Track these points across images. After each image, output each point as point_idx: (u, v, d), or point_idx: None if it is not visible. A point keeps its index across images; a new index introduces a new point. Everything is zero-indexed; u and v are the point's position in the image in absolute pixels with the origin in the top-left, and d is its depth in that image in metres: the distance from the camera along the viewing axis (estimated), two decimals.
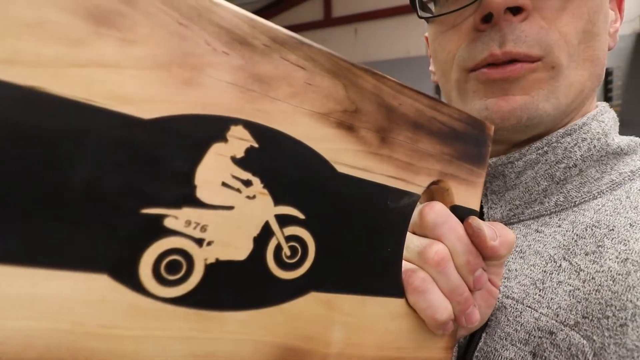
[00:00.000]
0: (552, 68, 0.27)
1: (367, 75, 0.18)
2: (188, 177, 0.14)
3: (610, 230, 0.26)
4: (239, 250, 0.16)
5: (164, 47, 0.13)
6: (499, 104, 0.27)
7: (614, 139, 0.29)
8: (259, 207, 0.16)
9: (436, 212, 0.21)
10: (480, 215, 0.32)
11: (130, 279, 0.13)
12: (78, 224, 0.12)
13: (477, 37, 0.28)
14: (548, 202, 0.29)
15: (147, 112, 0.13)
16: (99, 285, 0.13)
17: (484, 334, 0.28)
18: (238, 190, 0.15)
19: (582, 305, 0.24)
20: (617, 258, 0.25)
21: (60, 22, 0.12)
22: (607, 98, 2.53)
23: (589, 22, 0.27)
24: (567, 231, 0.28)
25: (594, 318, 0.24)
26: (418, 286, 0.20)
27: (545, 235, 0.29)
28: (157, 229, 0.14)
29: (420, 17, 0.32)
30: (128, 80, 0.13)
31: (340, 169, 0.18)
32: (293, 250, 0.17)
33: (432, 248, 0.20)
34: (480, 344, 0.27)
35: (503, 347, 0.26)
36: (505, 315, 0.27)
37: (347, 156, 0.18)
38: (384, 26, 3.29)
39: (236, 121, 0.15)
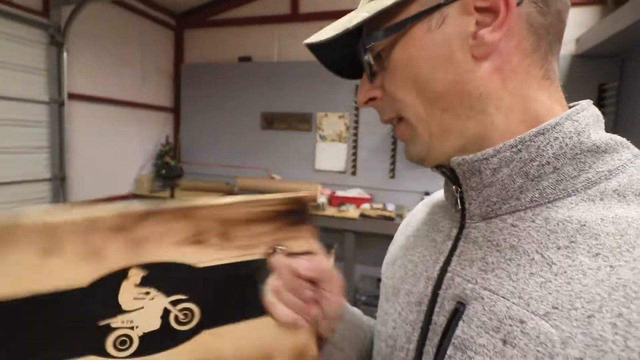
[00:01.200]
0: (407, 123, 0.36)
1: (205, 210, 0.33)
2: (115, 302, 0.31)
3: (582, 225, 0.27)
4: (154, 324, 0.32)
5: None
6: (405, 150, 0.39)
7: (590, 137, 0.29)
8: (158, 301, 0.32)
9: (273, 261, 0.37)
10: (462, 211, 0.35)
11: (104, 353, 0.30)
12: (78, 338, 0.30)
13: None
14: (524, 198, 0.31)
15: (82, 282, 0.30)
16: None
17: (461, 322, 0.30)
18: (143, 298, 0.31)
19: (553, 296, 0.26)
20: (588, 253, 0.26)
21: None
22: None
23: (411, 80, 0.33)
24: (540, 226, 0.29)
25: (563, 309, 0.25)
26: (266, 306, 0.37)
27: (520, 229, 0.30)
28: (110, 329, 0.30)
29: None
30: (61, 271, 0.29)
31: (200, 265, 0.33)
32: (185, 314, 0.33)
33: (271, 283, 0.37)
34: (457, 331, 0.30)
35: (478, 334, 0.28)
36: (482, 305, 0.29)
37: (202, 257, 0.34)
38: None
39: (131, 267, 0.31)
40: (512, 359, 0.26)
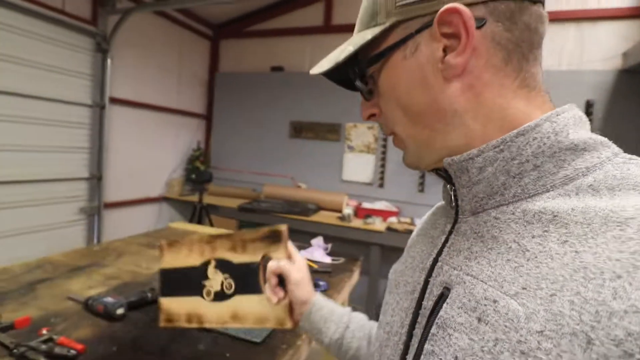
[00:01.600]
0: (399, 137, 0.40)
1: (236, 235, 0.66)
2: (206, 274, 0.68)
3: (555, 216, 0.29)
4: (218, 287, 0.67)
5: None
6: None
7: (568, 136, 0.31)
8: (220, 276, 0.67)
9: (264, 263, 0.62)
10: (456, 207, 0.38)
11: (202, 297, 0.68)
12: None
13: None
14: (507, 194, 0.33)
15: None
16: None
17: (445, 304, 0.33)
18: (215, 273, 0.67)
19: (524, 278, 0.28)
20: (557, 240, 0.28)
21: None
22: None
23: (395, 101, 0.38)
24: (519, 218, 0.31)
25: (530, 289, 0.27)
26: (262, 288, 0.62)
27: (501, 221, 0.33)
28: (203, 285, 0.68)
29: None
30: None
31: (235, 261, 0.65)
32: (229, 284, 0.65)
33: (263, 276, 0.62)
34: (441, 312, 0.33)
35: (458, 314, 0.31)
36: (463, 289, 0.32)
37: (234, 258, 0.65)
38: None
39: (212, 259, 0.68)
40: (485, 334, 0.28)
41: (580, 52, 2.76)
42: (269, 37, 3.84)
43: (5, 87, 2.22)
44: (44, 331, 0.85)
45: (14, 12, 2.21)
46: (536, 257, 0.28)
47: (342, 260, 1.63)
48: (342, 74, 0.41)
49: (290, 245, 0.62)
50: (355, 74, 0.40)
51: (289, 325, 0.61)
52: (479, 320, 0.29)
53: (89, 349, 0.82)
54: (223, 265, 0.65)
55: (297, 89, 3.58)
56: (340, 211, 3.09)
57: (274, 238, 0.62)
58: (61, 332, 0.88)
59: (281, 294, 0.60)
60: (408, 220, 2.89)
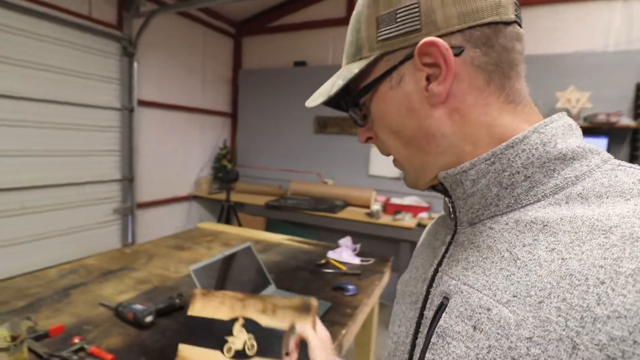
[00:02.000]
0: (396, 160, 0.42)
1: (268, 299, 0.63)
2: (230, 330, 0.63)
3: (545, 225, 0.30)
4: (240, 346, 0.62)
5: None
6: None
7: (556, 146, 0.32)
8: (244, 335, 0.62)
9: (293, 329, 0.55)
10: (454, 218, 0.39)
11: (222, 352, 0.62)
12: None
13: None
14: (501, 204, 0.34)
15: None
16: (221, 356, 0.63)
17: (444, 314, 0.34)
18: (241, 332, 0.63)
19: (514, 286, 0.29)
20: (546, 248, 0.29)
21: None
22: (636, 114, 2.41)
23: (388, 127, 0.39)
24: (512, 228, 0.32)
25: (520, 296, 0.28)
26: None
27: (496, 231, 0.34)
28: (225, 341, 0.63)
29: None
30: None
31: (262, 323, 0.62)
32: (252, 345, 0.60)
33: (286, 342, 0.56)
34: (440, 321, 0.34)
35: (455, 323, 0.32)
36: (461, 298, 0.33)
37: (262, 320, 0.62)
38: None
39: (240, 317, 0.64)
40: (479, 342, 0.29)
41: (628, 31, 2.52)
42: (291, 32, 3.79)
43: (40, 95, 2.30)
44: (76, 340, 0.86)
45: (44, 21, 2.28)
46: (526, 265, 0.29)
47: (371, 261, 1.58)
48: (336, 104, 0.44)
49: (318, 320, 0.60)
50: (347, 104, 0.42)
51: None
52: (474, 328, 0.30)
53: (119, 358, 0.82)
54: (250, 325, 0.66)
55: (320, 83, 3.50)
56: (368, 207, 3.02)
57: (305, 309, 0.62)
58: (92, 340, 0.88)
59: (295, 356, 0.56)
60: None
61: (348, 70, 0.40)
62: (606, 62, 2.49)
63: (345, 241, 1.66)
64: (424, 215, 2.81)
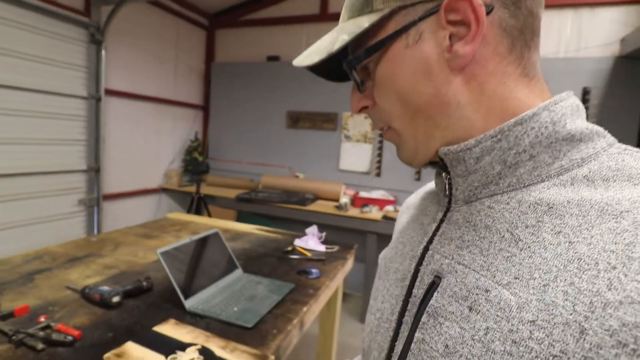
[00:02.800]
0: (395, 131, 0.38)
1: (220, 339, 0.79)
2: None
3: (550, 207, 0.29)
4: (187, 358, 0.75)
5: None
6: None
7: (565, 126, 0.31)
8: (194, 356, 0.73)
9: None
10: (449, 196, 0.37)
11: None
12: None
13: None
14: (502, 183, 0.33)
15: None
16: None
17: (436, 293, 0.33)
18: None
19: (516, 268, 0.28)
20: (551, 230, 0.28)
21: None
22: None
23: (394, 92, 0.35)
24: (513, 208, 0.31)
25: (523, 279, 0.27)
26: None
27: (495, 211, 0.32)
28: None
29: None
30: None
31: (218, 354, 0.76)
32: None
33: None
34: (432, 301, 0.33)
35: (449, 303, 0.31)
36: (455, 278, 0.32)
37: (218, 352, 0.76)
38: None
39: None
40: (475, 323, 0.29)
41: (577, 39, 2.74)
42: (264, 26, 3.81)
43: (1, 81, 2.22)
44: (42, 319, 0.88)
45: (5, 4, 2.20)
46: (529, 247, 0.28)
47: (336, 248, 1.66)
48: (330, 65, 0.39)
49: None
50: (349, 65, 0.37)
51: None
52: (470, 309, 0.29)
53: (86, 335, 0.85)
54: (205, 353, 0.73)
55: (293, 78, 3.56)
56: (337, 200, 3.11)
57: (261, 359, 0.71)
58: (59, 319, 0.91)
59: None
60: None
61: (355, 25, 0.35)
62: (557, 68, 2.69)
63: (312, 229, 1.73)
64: (389, 208, 2.93)
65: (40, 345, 0.79)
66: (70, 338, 0.81)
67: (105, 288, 1.01)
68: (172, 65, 3.65)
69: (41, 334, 0.82)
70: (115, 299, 0.99)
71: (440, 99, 0.33)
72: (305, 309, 1.08)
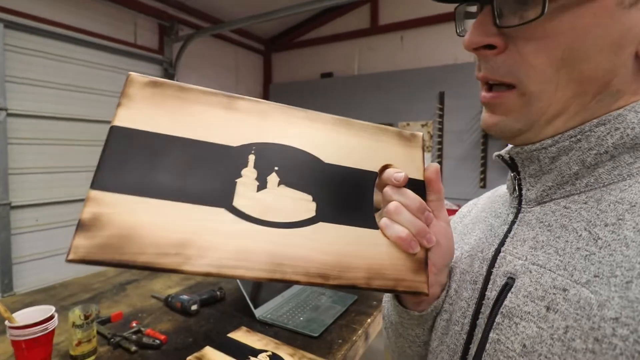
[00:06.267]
0: (523, 95, 0.31)
1: (288, 347, 0.68)
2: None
3: (632, 206, 0.28)
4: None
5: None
6: (485, 118, 0.35)
7: None
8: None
9: (390, 189, 0.36)
10: (519, 197, 0.36)
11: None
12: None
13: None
14: (579, 183, 0.32)
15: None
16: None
17: (510, 294, 0.32)
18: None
19: (595, 266, 0.27)
20: (634, 228, 0.27)
21: None
22: None
23: (566, 50, 0.29)
24: (591, 207, 0.30)
25: (603, 277, 0.26)
26: (384, 225, 0.35)
27: (572, 210, 0.31)
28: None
29: (459, 35, 0.38)
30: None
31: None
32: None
33: (389, 205, 0.35)
34: (506, 301, 0.32)
35: (524, 303, 0.30)
36: (529, 278, 0.31)
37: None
38: (431, 33, 3.28)
39: None
40: (554, 322, 0.28)
41: None
42: (317, 45, 3.94)
43: (89, 116, 2.56)
44: (134, 324, 0.99)
45: (93, 49, 2.56)
46: (609, 245, 0.27)
47: None
48: None
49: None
50: None
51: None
52: (548, 308, 0.28)
53: (170, 339, 0.94)
54: (275, 359, 0.40)
55: (347, 92, 3.62)
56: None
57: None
58: (147, 324, 1.01)
59: (444, 228, 0.37)
60: None
61: None
62: None
63: None
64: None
65: (133, 348, 0.89)
66: (157, 342, 0.90)
67: (185, 297, 1.11)
68: (234, 89, 3.92)
69: (133, 337, 0.92)
70: (194, 307, 1.08)
71: (608, 80, 0.30)
72: (369, 320, 1.08)
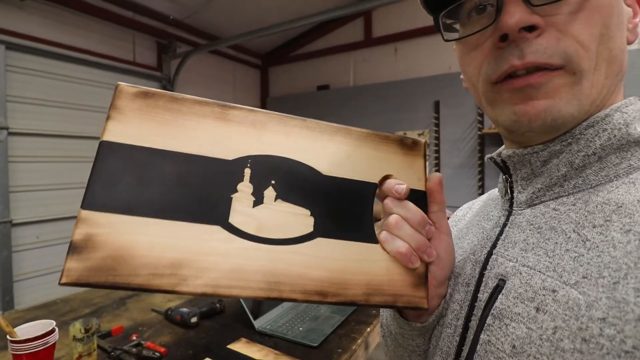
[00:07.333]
0: (573, 74, 0.30)
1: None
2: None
3: (619, 207, 0.28)
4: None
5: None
6: (525, 109, 0.31)
7: (637, 129, 0.30)
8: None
9: (390, 201, 0.35)
10: (511, 199, 0.37)
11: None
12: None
13: (498, 54, 0.32)
14: (567, 185, 0.32)
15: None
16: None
17: (500, 295, 0.32)
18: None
19: (584, 268, 0.27)
20: (621, 229, 0.27)
21: None
22: None
23: (603, 26, 0.29)
24: (580, 209, 0.31)
25: (592, 278, 0.27)
26: (384, 239, 0.34)
27: (561, 212, 0.32)
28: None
29: (446, 40, 0.37)
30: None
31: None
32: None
33: (389, 219, 0.34)
34: (497, 303, 0.32)
35: (514, 304, 0.30)
36: (520, 280, 0.31)
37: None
38: (424, 44, 3.34)
39: None
40: (543, 323, 0.28)
41: None
42: (313, 58, 4.01)
43: (89, 133, 2.60)
44: (134, 337, 1.00)
45: (92, 68, 2.61)
46: (597, 247, 0.28)
47: None
48: None
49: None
50: None
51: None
52: (537, 309, 0.29)
53: (170, 352, 0.94)
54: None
55: (343, 104, 3.67)
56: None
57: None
58: (147, 338, 1.02)
59: (445, 240, 0.37)
60: None
61: None
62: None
63: None
64: None
65: None
66: (158, 354, 0.91)
67: (185, 310, 1.12)
68: (232, 103, 3.96)
69: (134, 350, 0.93)
70: (194, 320, 1.09)
71: (623, 58, 0.31)
72: (369, 329, 1.08)
